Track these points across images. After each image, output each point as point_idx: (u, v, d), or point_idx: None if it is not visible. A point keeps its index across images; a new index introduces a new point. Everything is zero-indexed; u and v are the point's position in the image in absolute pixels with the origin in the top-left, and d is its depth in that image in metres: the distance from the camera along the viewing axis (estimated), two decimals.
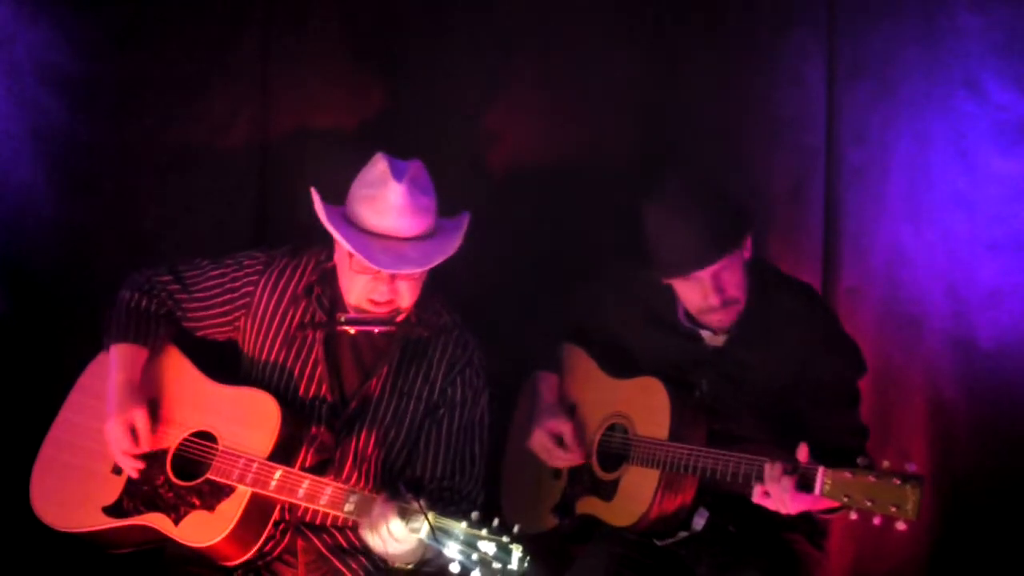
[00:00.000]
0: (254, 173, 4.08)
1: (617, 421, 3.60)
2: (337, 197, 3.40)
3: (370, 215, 3.29)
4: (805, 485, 3.09)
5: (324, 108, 4.07)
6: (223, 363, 3.52)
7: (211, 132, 4.04)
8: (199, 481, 3.30)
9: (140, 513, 3.31)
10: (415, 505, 2.96)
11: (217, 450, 3.32)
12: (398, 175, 3.28)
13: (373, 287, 3.32)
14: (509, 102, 4.12)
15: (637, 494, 3.43)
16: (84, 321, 3.66)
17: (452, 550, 2.84)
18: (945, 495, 3.99)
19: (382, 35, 4.10)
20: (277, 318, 3.47)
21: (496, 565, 2.80)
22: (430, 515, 2.92)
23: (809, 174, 4.10)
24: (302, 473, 3.24)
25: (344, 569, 3.36)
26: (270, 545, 3.35)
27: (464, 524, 2.86)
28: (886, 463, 2.99)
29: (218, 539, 3.22)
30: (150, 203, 4.02)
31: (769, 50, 4.08)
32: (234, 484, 3.25)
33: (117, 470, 3.38)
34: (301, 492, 3.22)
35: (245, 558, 3.28)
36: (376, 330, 3.39)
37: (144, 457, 3.34)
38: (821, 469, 3.06)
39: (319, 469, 3.33)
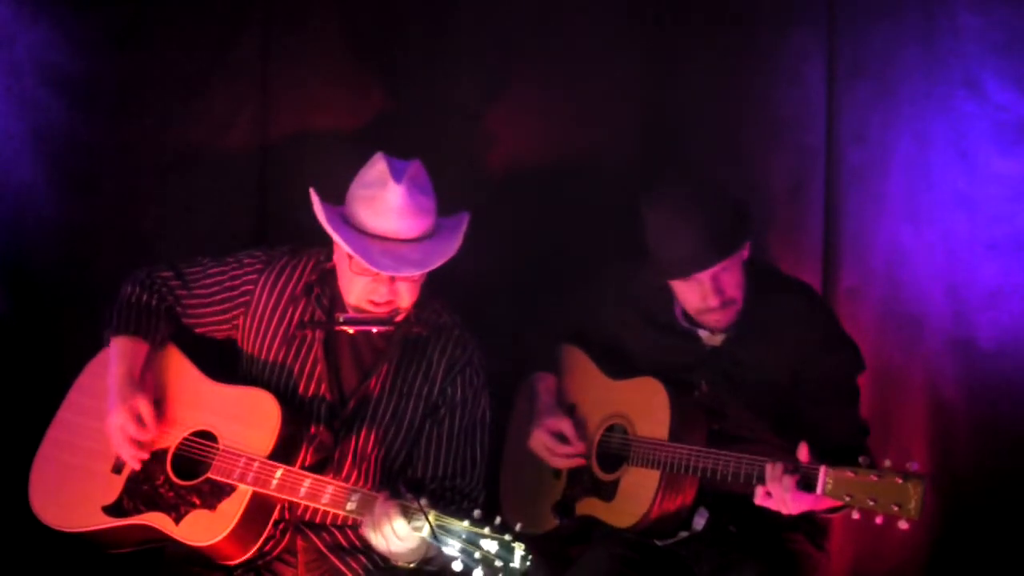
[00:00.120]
0: (254, 173, 4.08)
1: (616, 422, 3.60)
2: (337, 197, 3.40)
3: (369, 216, 3.29)
4: (807, 485, 3.09)
5: (324, 108, 4.08)
6: (222, 362, 3.52)
7: (211, 132, 4.04)
8: (200, 480, 3.30)
9: (140, 512, 3.31)
10: (416, 505, 2.96)
11: (217, 449, 3.32)
12: (397, 176, 3.28)
13: (373, 288, 3.32)
14: (509, 102, 4.12)
15: (638, 495, 3.43)
16: (84, 321, 3.67)
17: (454, 549, 2.85)
18: (945, 495, 3.98)
19: (382, 35, 4.10)
20: (276, 317, 3.47)
21: (498, 563, 2.80)
22: (432, 514, 2.93)
23: (809, 174, 4.10)
24: (303, 472, 3.25)
25: (344, 568, 3.36)
26: (270, 544, 3.35)
27: (466, 523, 2.87)
28: (888, 462, 3.00)
29: (219, 538, 3.21)
30: (150, 203, 4.03)
31: (769, 50, 4.09)
32: (235, 483, 3.25)
33: (117, 469, 3.38)
34: (302, 491, 3.22)
35: (245, 557, 3.28)
36: (375, 330, 3.39)
37: (145, 444, 3.34)
38: (823, 468, 3.07)
39: (318, 468, 3.33)
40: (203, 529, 3.24)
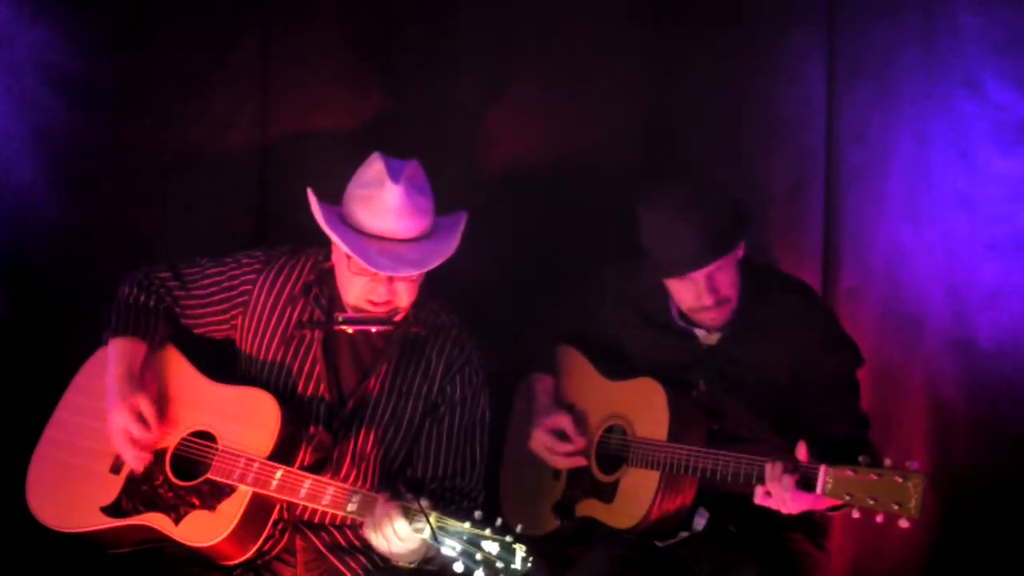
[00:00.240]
0: (254, 173, 4.08)
1: (615, 423, 3.59)
2: (337, 197, 3.40)
3: (367, 216, 3.29)
4: (806, 484, 3.09)
5: (324, 108, 4.08)
6: (221, 363, 3.52)
7: (211, 132, 4.04)
8: (199, 481, 3.30)
9: (139, 513, 3.31)
10: (417, 505, 2.96)
11: (216, 450, 3.32)
12: (395, 175, 3.28)
13: (371, 288, 3.32)
14: (509, 102, 4.12)
15: (637, 496, 3.43)
16: (84, 321, 3.66)
17: (455, 550, 2.85)
18: (945, 495, 3.98)
19: (382, 35, 4.10)
20: (275, 317, 3.47)
21: (499, 564, 2.81)
22: (433, 515, 2.93)
23: (809, 174, 4.10)
24: (303, 473, 3.25)
25: (343, 568, 3.37)
26: (269, 544, 3.35)
27: (467, 524, 2.87)
28: (888, 461, 3.00)
29: (219, 539, 3.21)
30: (150, 203, 4.03)
31: (769, 50, 4.09)
32: (235, 484, 3.25)
33: (115, 469, 3.38)
34: (303, 492, 3.22)
35: (245, 557, 3.28)
36: (373, 329, 3.39)
37: (147, 444, 3.33)
38: (823, 468, 3.07)
39: (317, 468, 3.33)
40: (203, 530, 3.24)
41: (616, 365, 3.66)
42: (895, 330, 4.07)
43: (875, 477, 2.98)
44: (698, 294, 3.42)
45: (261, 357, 3.46)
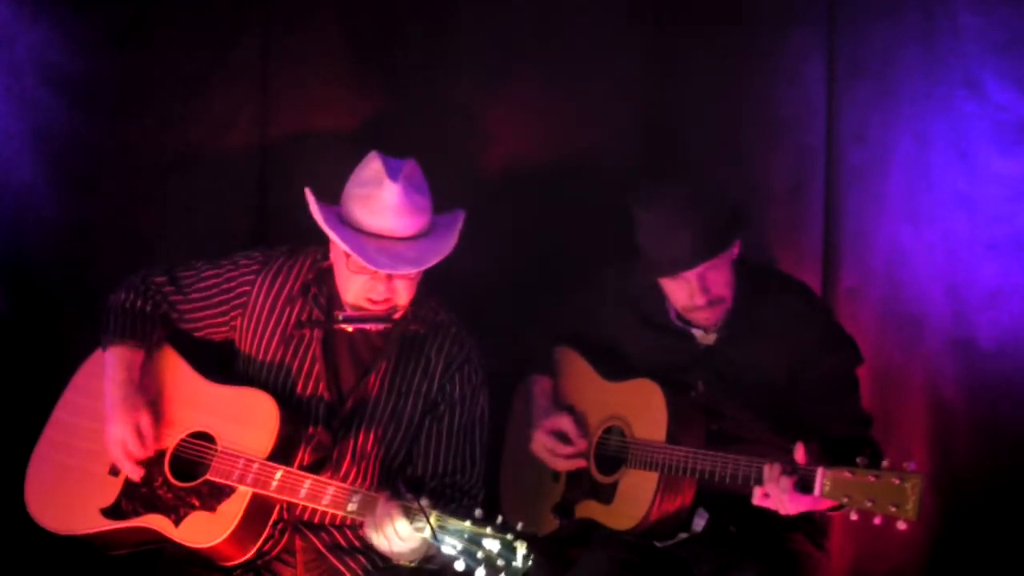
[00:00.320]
0: (254, 173, 4.08)
1: (614, 424, 3.59)
2: (336, 197, 3.40)
3: (365, 215, 3.29)
4: (804, 486, 3.08)
5: (324, 108, 4.08)
6: (219, 363, 3.52)
7: (211, 132, 4.04)
8: (199, 482, 3.30)
9: (139, 515, 3.31)
10: (417, 505, 2.97)
11: (216, 451, 3.32)
12: (393, 174, 3.28)
13: (370, 286, 3.32)
14: (509, 102, 4.12)
15: (636, 497, 3.43)
16: (84, 321, 3.66)
17: (456, 548, 2.85)
18: (945, 495, 3.98)
19: (382, 35, 4.10)
20: (274, 317, 3.46)
21: (500, 563, 2.81)
22: (434, 514, 2.93)
23: (809, 174, 4.09)
24: (303, 473, 3.25)
25: (342, 568, 3.37)
26: (269, 545, 3.35)
27: (468, 522, 2.87)
28: (885, 462, 2.99)
29: (219, 540, 3.21)
30: (150, 203, 4.03)
31: (769, 50, 4.08)
32: (234, 485, 3.25)
33: (114, 471, 3.38)
34: (303, 492, 3.22)
35: (245, 558, 3.28)
36: (372, 328, 3.39)
37: (143, 459, 3.34)
38: (820, 470, 3.06)
39: (316, 468, 3.34)
40: (203, 531, 3.24)
41: (615, 366, 3.65)
42: (895, 330, 4.07)
43: (872, 479, 2.97)
44: (691, 293, 3.42)
45: (260, 357, 3.46)
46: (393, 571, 3.25)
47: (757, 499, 3.17)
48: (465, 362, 3.47)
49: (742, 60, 4.10)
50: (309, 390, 3.42)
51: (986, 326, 3.99)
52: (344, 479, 3.34)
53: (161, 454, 3.36)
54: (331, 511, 3.26)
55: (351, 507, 3.17)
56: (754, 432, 3.47)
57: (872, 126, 4.04)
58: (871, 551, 4.09)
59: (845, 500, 3.01)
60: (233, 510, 3.23)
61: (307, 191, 3.34)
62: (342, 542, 3.41)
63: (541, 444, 3.64)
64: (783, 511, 3.14)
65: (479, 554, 2.82)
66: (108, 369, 3.39)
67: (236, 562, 3.29)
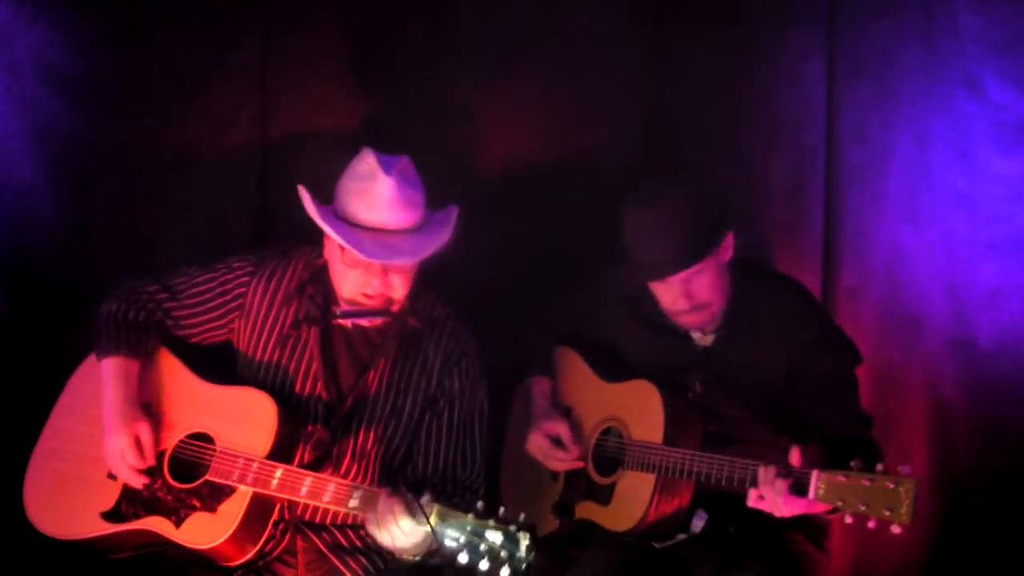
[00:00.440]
0: (254, 173, 4.09)
1: (612, 425, 3.59)
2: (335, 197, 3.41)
3: (360, 209, 3.30)
4: (799, 489, 3.08)
5: (324, 108, 4.08)
6: (216, 364, 3.51)
7: (211, 132, 4.05)
8: (198, 483, 3.29)
9: (139, 517, 3.31)
10: (418, 503, 2.96)
11: (215, 451, 3.31)
12: (387, 168, 3.29)
13: (366, 280, 3.33)
14: (509, 102, 4.12)
15: (634, 498, 3.42)
16: (84, 321, 3.65)
17: (459, 541, 2.85)
18: (945, 495, 3.98)
19: (382, 35, 4.10)
20: (271, 318, 3.46)
21: (503, 554, 2.81)
22: (436, 508, 2.92)
23: (809, 174, 4.09)
24: (303, 471, 3.24)
25: (344, 568, 3.37)
26: (270, 545, 3.35)
27: (470, 515, 2.87)
28: (880, 465, 2.99)
29: (221, 540, 3.21)
30: (150, 203, 4.03)
31: (769, 50, 4.08)
32: (234, 484, 3.25)
33: (112, 475, 3.37)
34: (303, 490, 3.21)
35: (246, 558, 3.28)
36: (368, 323, 3.38)
37: (143, 469, 3.34)
38: (815, 473, 3.06)
39: (316, 466, 3.33)
40: (204, 532, 3.23)
41: (613, 367, 3.65)
42: (895, 330, 4.07)
43: (867, 483, 2.97)
44: (673, 298, 3.41)
45: (258, 358, 3.46)
46: (391, 573, 3.25)
47: (752, 501, 3.17)
48: (463, 355, 3.48)
49: (742, 60, 4.10)
50: (307, 389, 3.42)
51: (986, 326, 3.99)
52: (345, 476, 3.34)
53: (161, 456, 3.36)
54: (332, 508, 3.25)
55: (353, 503, 3.17)
56: (752, 432, 3.47)
57: (872, 126, 4.04)
58: (871, 551, 4.08)
59: (839, 504, 3.00)
60: (234, 510, 3.23)
61: (301, 189, 3.34)
62: (344, 542, 3.40)
63: (536, 445, 3.64)
64: (778, 513, 3.14)
65: (482, 546, 2.82)
66: (104, 381, 3.38)
67: (237, 563, 3.28)
